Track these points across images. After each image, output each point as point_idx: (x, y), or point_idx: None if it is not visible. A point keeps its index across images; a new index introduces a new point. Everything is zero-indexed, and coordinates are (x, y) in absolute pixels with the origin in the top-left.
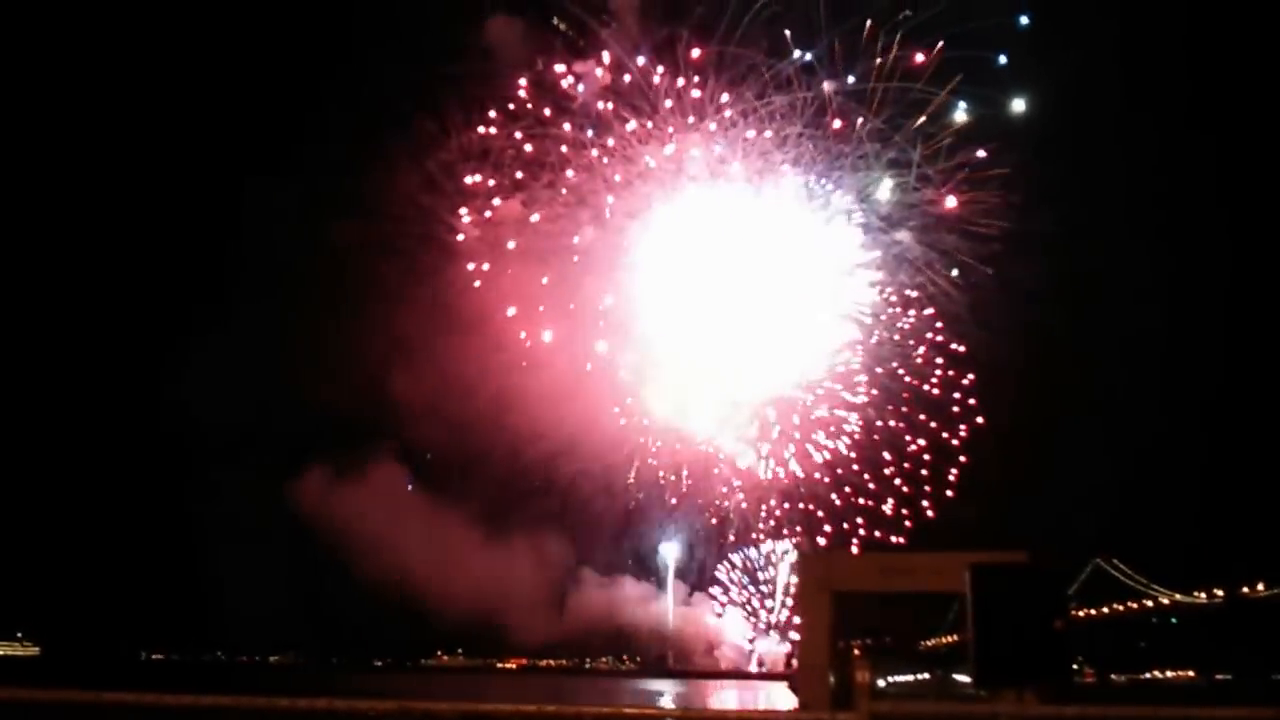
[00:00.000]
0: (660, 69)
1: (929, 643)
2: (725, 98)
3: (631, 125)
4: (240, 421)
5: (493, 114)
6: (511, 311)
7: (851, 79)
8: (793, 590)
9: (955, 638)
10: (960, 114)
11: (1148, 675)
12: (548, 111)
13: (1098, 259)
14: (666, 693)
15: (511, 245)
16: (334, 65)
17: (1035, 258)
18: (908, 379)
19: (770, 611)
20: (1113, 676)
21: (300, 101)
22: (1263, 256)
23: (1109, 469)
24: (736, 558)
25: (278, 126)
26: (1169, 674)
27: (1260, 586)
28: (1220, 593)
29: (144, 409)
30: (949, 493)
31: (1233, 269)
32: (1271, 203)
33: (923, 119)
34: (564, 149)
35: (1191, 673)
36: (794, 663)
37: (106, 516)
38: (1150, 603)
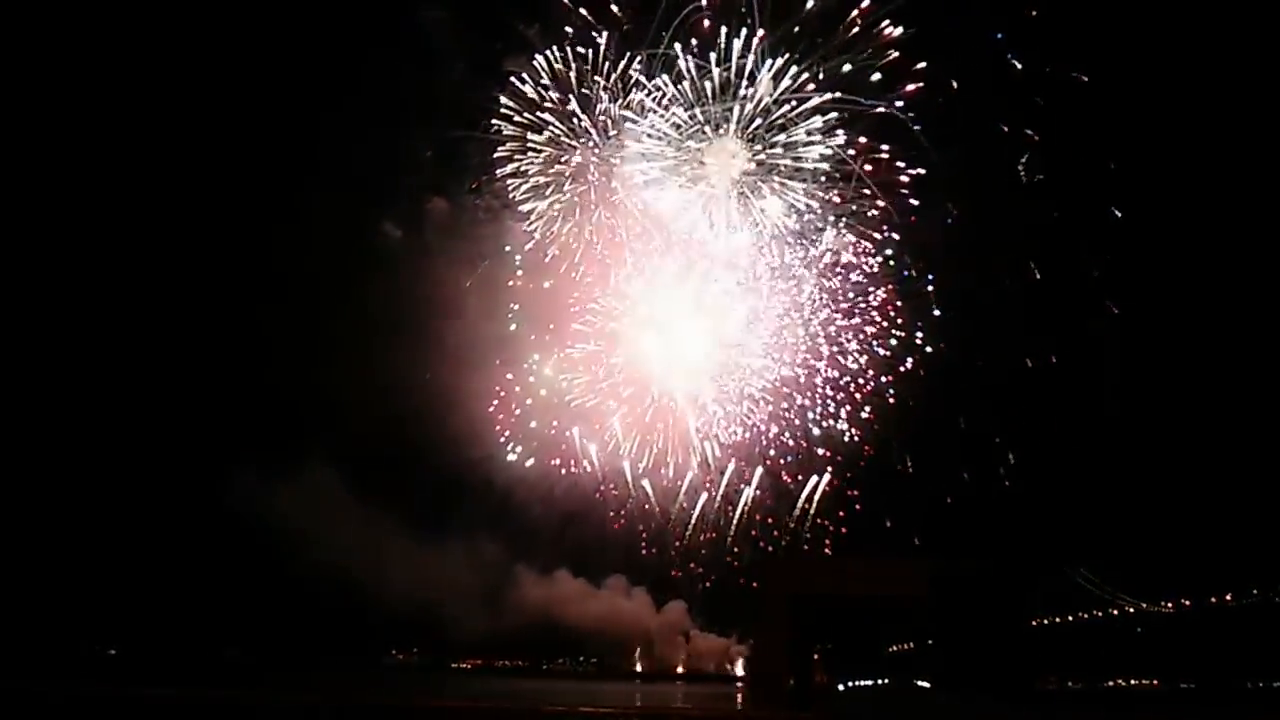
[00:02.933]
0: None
1: (892, 648)
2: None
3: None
4: (178, 417)
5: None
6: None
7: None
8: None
9: (915, 644)
10: None
11: (1110, 683)
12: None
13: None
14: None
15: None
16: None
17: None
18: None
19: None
20: (1069, 684)
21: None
22: (1236, 262)
23: (1076, 475)
24: None
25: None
26: (1131, 682)
27: (1228, 597)
28: (1187, 602)
29: (97, 405)
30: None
31: (1208, 276)
32: (1237, 207)
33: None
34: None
35: (1155, 681)
36: (739, 665)
37: (52, 512)
38: (1115, 611)
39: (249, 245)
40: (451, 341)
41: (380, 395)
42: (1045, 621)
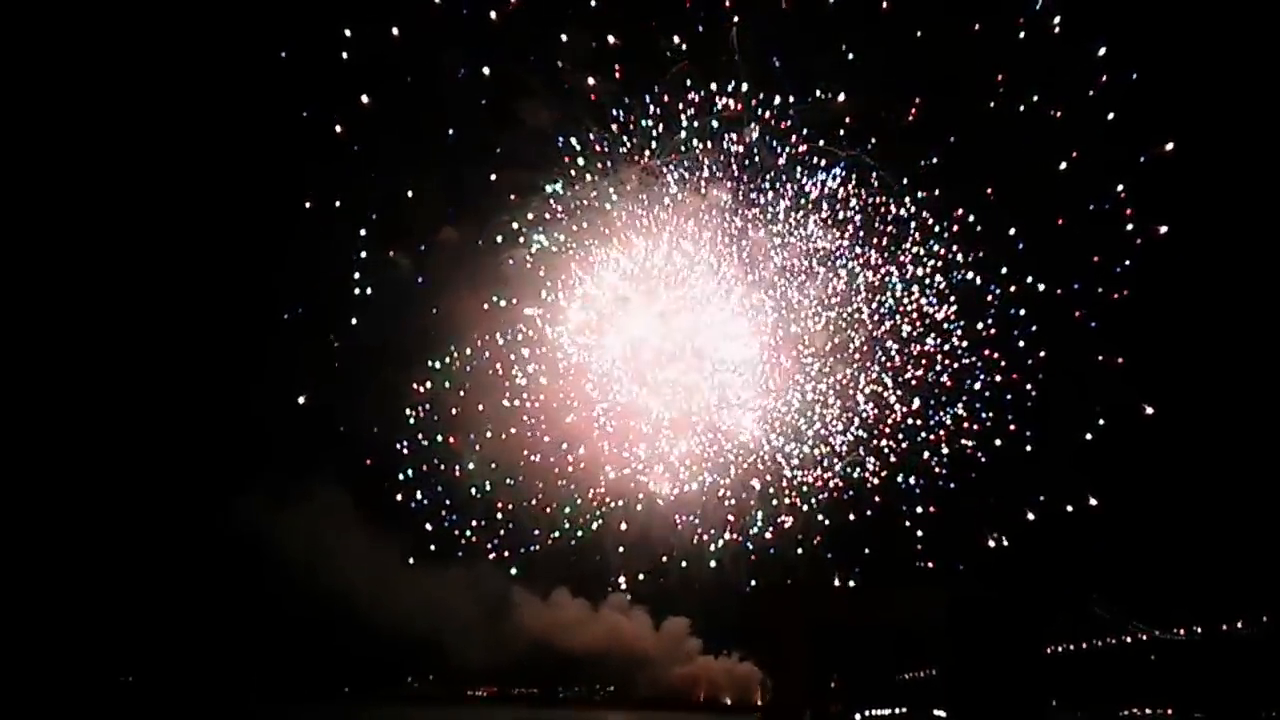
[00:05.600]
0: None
1: (907, 676)
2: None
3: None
4: (190, 438)
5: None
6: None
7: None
8: None
9: (934, 671)
10: None
11: (1124, 713)
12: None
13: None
14: None
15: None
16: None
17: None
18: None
19: None
20: (1078, 713)
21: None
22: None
23: (1090, 500)
24: None
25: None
26: (1146, 711)
27: (1239, 624)
28: (1199, 629)
29: (95, 424)
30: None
31: (1217, 294)
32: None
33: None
34: None
35: (1169, 710)
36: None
37: (69, 533)
38: (1129, 639)
39: (262, 267)
40: (459, 368)
41: (388, 420)
42: (1059, 649)
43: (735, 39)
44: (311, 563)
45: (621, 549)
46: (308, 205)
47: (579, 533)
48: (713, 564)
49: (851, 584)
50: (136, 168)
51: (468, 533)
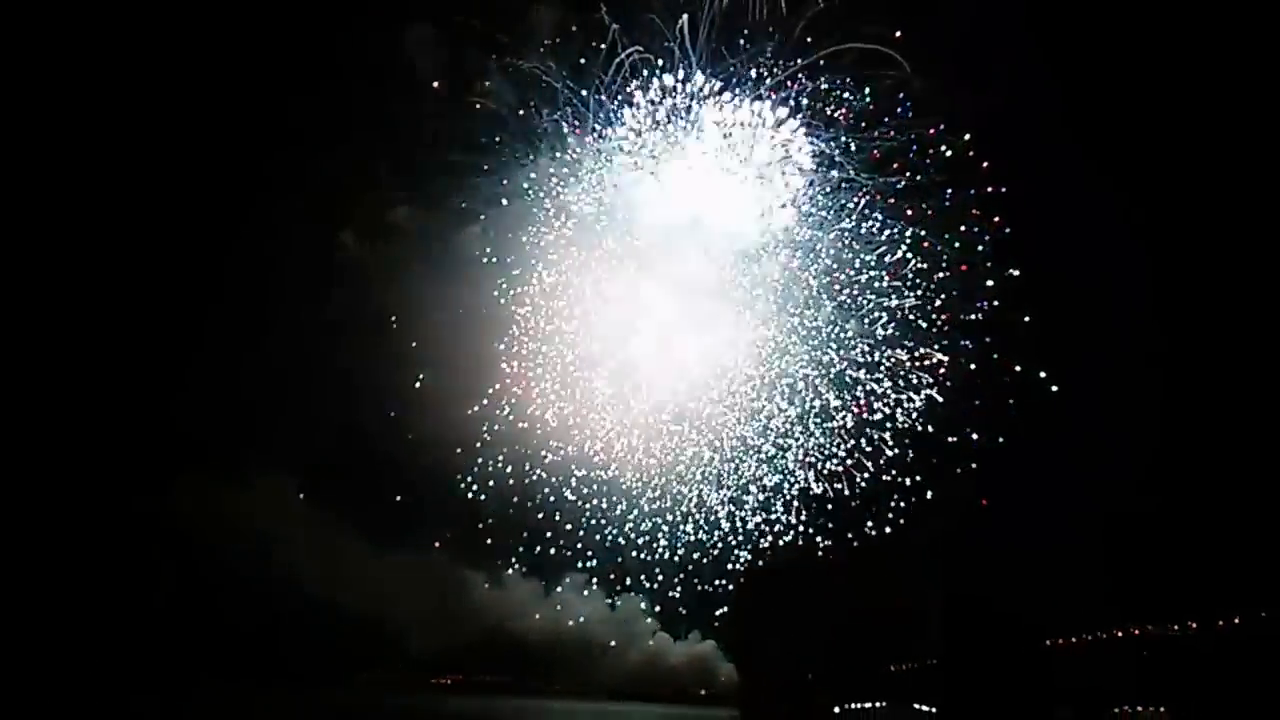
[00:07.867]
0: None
1: (892, 668)
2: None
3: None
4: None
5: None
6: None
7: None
8: None
9: (916, 665)
10: None
11: (1116, 710)
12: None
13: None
14: None
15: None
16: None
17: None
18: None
19: None
20: (1067, 711)
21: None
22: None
23: (1088, 495)
24: None
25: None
26: (1138, 709)
27: (1237, 620)
28: (1195, 625)
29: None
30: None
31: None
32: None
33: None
34: None
35: (1162, 709)
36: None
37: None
38: (1120, 633)
39: (206, 248)
40: (414, 347)
41: (335, 403)
42: (1049, 643)
43: (684, 26)
44: (255, 550)
45: (579, 529)
46: (256, 185)
47: (535, 513)
48: (674, 546)
49: (838, 568)
50: (73, 151)
51: (416, 515)
